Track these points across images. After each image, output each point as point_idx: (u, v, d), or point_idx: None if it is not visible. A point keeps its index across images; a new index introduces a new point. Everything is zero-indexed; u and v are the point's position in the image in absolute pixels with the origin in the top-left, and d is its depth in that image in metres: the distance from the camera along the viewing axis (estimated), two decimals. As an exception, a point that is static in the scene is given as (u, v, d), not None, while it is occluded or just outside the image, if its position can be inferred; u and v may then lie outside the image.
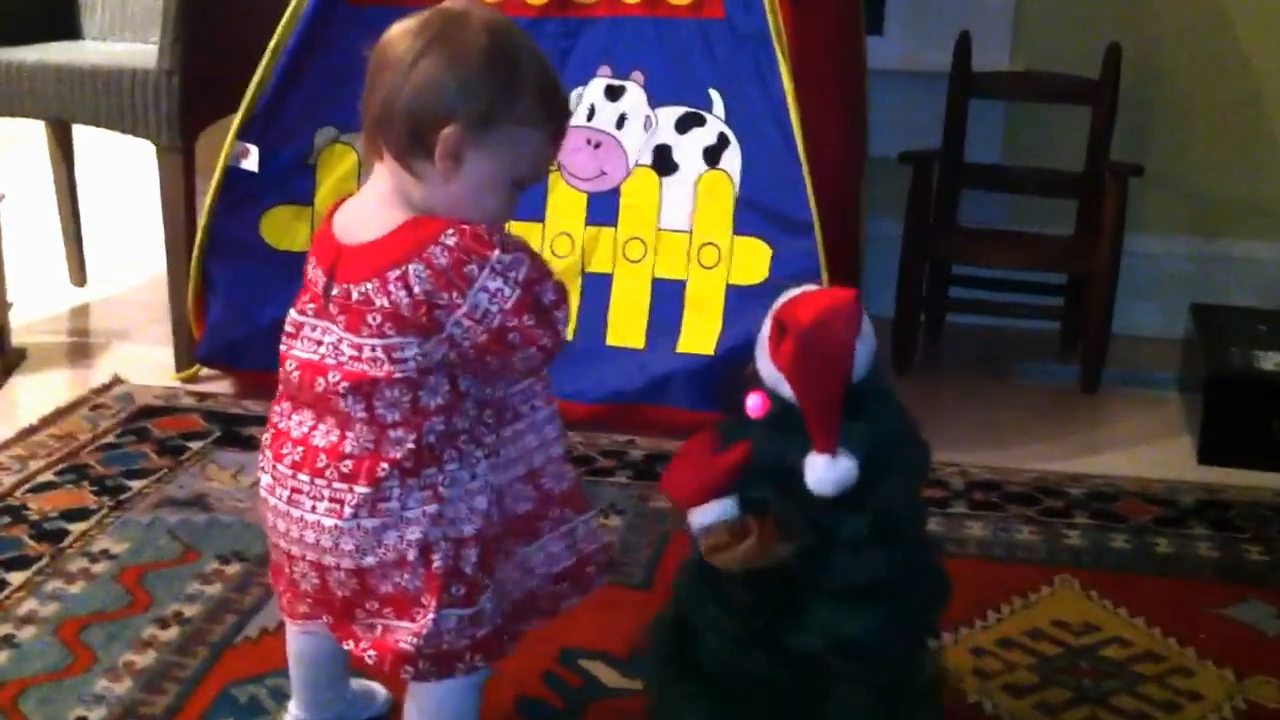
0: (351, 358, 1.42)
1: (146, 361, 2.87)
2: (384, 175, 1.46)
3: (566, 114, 1.53)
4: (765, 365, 1.45)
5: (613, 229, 2.64)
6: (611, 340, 2.60)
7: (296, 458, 1.45)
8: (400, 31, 1.45)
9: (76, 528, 2.14)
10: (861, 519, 1.43)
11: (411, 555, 1.43)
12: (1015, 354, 3.14)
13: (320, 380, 1.44)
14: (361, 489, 1.42)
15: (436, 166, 1.42)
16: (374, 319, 1.40)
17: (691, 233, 2.60)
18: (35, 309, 3.17)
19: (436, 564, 1.44)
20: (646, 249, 2.62)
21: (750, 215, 2.56)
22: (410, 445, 1.42)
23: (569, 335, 1.44)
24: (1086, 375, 2.93)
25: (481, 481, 1.45)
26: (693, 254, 2.59)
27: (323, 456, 1.44)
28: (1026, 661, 1.85)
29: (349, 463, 1.42)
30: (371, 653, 1.49)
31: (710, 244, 2.58)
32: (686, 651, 1.55)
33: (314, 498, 1.45)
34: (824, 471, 1.40)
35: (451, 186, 1.43)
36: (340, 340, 1.43)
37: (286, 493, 1.47)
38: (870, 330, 1.45)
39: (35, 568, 2.02)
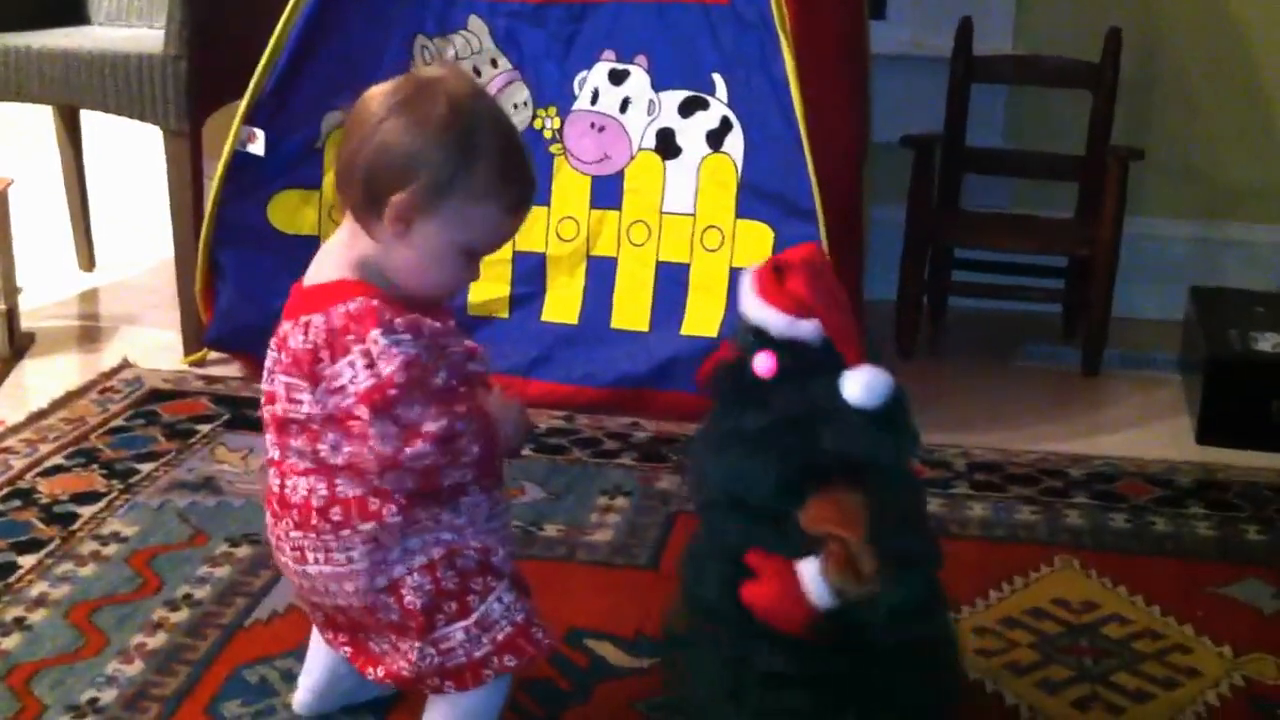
0: (276, 393, 1.47)
1: (155, 345, 2.89)
2: (345, 226, 1.50)
3: (527, 189, 1.50)
4: (768, 316, 1.43)
5: (617, 212, 2.65)
6: (616, 323, 2.62)
7: (269, 509, 1.53)
8: (377, 91, 1.48)
9: (86, 511, 2.16)
10: (902, 438, 1.42)
11: (378, 599, 1.47)
12: (1017, 336, 3.15)
13: (267, 409, 1.50)
14: (308, 535, 1.47)
15: (387, 230, 1.44)
16: (285, 356, 1.45)
17: (695, 216, 2.62)
18: (44, 294, 3.18)
19: (408, 598, 1.46)
20: (650, 232, 2.63)
21: (753, 198, 2.57)
22: (323, 494, 1.45)
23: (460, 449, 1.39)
24: (1087, 357, 2.94)
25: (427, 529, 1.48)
26: (696, 237, 2.61)
27: (274, 503, 1.51)
28: (1028, 640, 1.87)
29: (295, 511, 1.48)
30: (381, 670, 1.53)
31: (713, 227, 2.60)
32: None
33: (278, 537, 1.52)
34: (869, 380, 1.39)
35: (402, 249, 1.45)
36: (275, 370, 1.48)
37: (272, 536, 1.54)
38: None
39: (46, 551, 2.03)
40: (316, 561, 1.48)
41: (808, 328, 1.42)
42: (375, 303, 1.40)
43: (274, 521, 1.52)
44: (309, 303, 1.45)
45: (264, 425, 1.52)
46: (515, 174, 1.48)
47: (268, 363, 1.50)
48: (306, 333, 1.43)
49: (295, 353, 1.44)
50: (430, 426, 1.38)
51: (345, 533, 1.45)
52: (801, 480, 1.41)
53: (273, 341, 1.50)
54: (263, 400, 1.51)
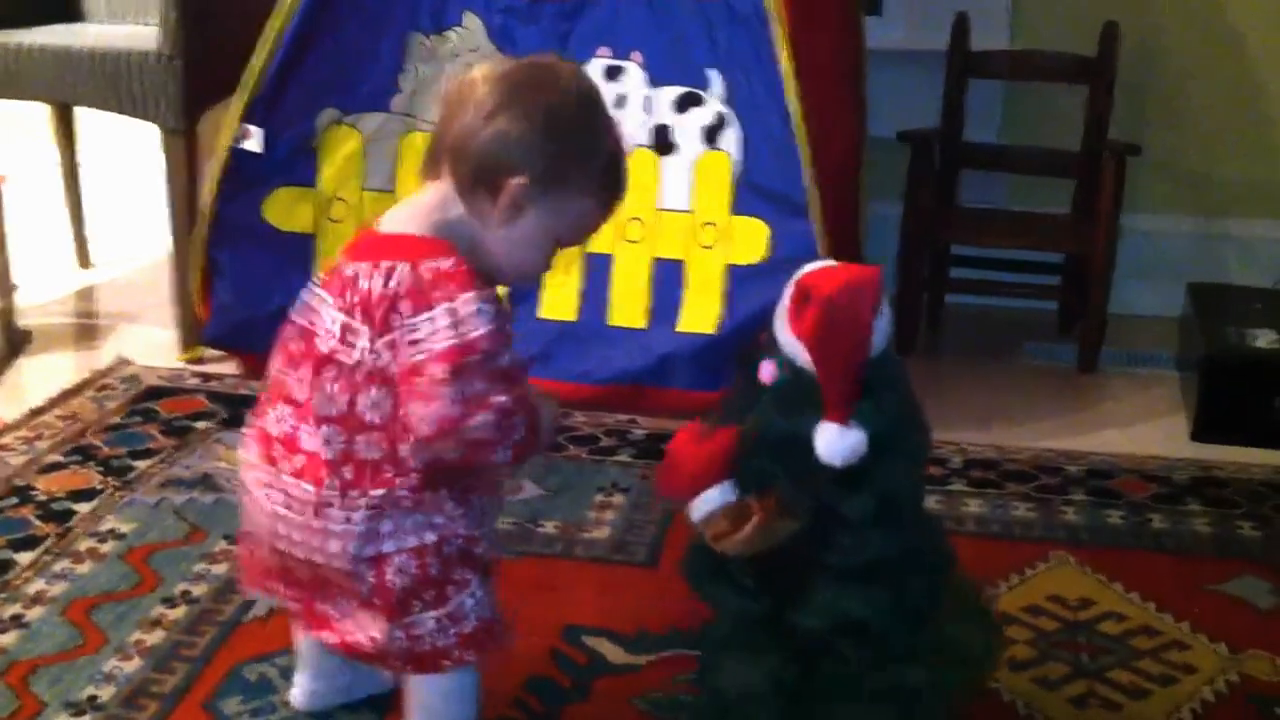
0: (326, 330, 1.45)
1: (152, 343, 2.88)
2: (432, 191, 1.50)
3: (624, 189, 1.55)
4: (783, 333, 1.45)
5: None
6: (613, 320, 2.62)
7: (259, 449, 1.49)
8: (487, 74, 1.49)
9: (84, 508, 2.16)
10: (866, 498, 1.44)
11: (358, 566, 1.45)
12: (1014, 334, 3.16)
13: (298, 345, 1.47)
14: (307, 486, 1.45)
15: (496, 211, 1.46)
16: (351, 296, 1.43)
17: (691, 213, 2.62)
18: (40, 291, 3.18)
19: (390, 577, 1.46)
20: (646, 229, 2.63)
21: (749, 195, 2.57)
22: (339, 447, 1.43)
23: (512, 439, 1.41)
24: (1084, 354, 2.95)
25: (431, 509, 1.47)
26: (692, 234, 2.61)
27: (279, 447, 1.47)
28: (1024, 636, 1.88)
29: (300, 457, 1.45)
30: (332, 637, 1.52)
31: (709, 224, 2.60)
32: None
33: (265, 479, 1.48)
34: (836, 440, 1.41)
35: (502, 232, 1.48)
36: (324, 308, 1.46)
37: (253, 479, 1.50)
38: (888, 308, 1.46)
39: (43, 548, 2.03)
40: (304, 513, 1.45)
41: (807, 359, 1.44)
42: (467, 267, 1.41)
43: (264, 460, 1.48)
44: (389, 249, 1.44)
45: (285, 358, 1.48)
46: (620, 173, 1.53)
47: (305, 297, 1.49)
48: (389, 278, 1.41)
49: (368, 295, 1.42)
50: (497, 399, 1.38)
51: (353, 494, 1.43)
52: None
53: (319, 278, 1.49)
54: (290, 332, 1.49)
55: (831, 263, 1.50)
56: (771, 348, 1.47)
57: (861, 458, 1.42)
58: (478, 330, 1.38)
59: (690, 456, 1.48)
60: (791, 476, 1.44)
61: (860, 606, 1.47)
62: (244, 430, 1.53)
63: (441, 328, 1.38)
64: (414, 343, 1.39)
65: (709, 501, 1.47)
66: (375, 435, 1.43)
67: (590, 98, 1.52)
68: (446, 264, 1.41)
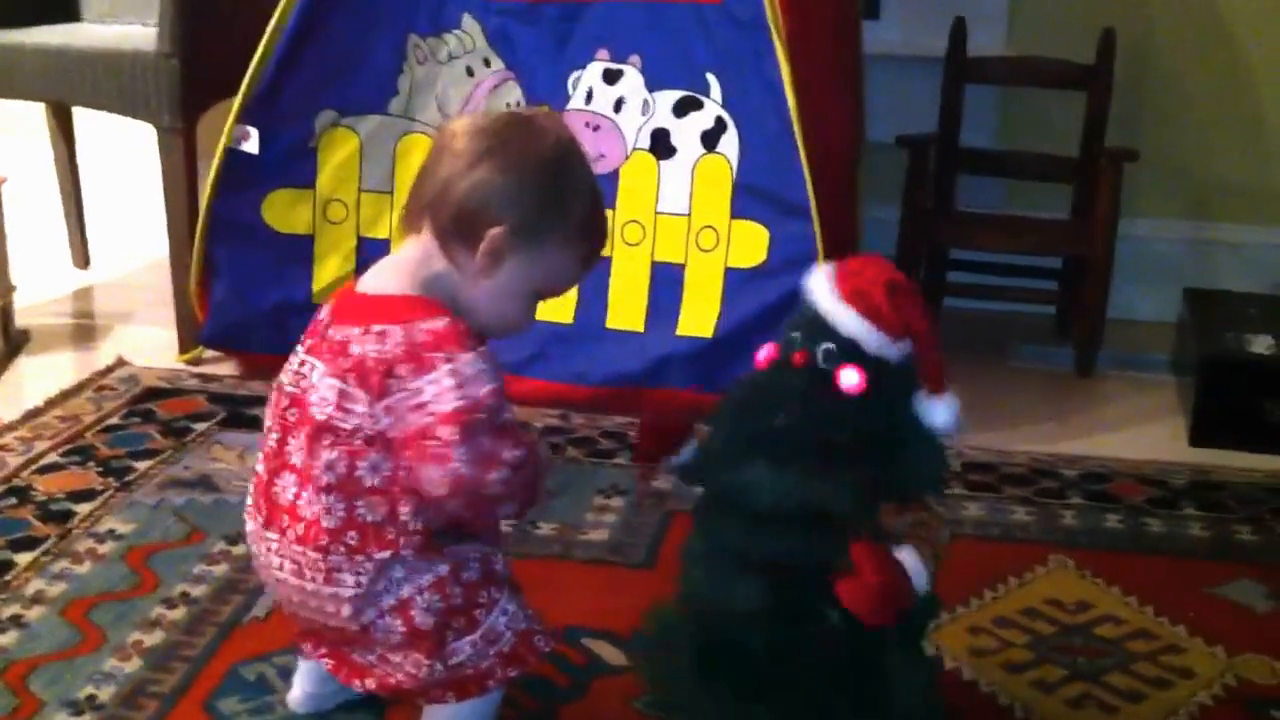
0: (320, 397, 1.45)
1: (150, 343, 2.89)
2: (414, 246, 1.51)
3: (602, 243, 1.56)
4: (867, 333, 1.44)
5: (611, 212, 2.65)
6: (611, 323, 2.62)
7: (263, 517, 1.50)
8: (468, 124, 1.50)
9: (83, 508, 2.16)
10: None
11: (375, 624, 1.47)
12: (1011, 337, 3.16)
13: (292, 412, 1.47)
14: (313, 554, 1.45)
15: (475, 261, 1.46)
16: (344, 362, 1.44)
17: (690, 216, 2.62)
18: (38, 292, 3.18)
19: (419, 618, 1.46)
20: (645, 232, 2.63)
21: (748, 198, 2.57)
22: (341, 515, 1.44)
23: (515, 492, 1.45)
24: (1081, 358, 2.95)
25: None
26: (691, 237, 2.61)
27: (285, 517, 1.48)
28: (1022, 639, 1.88)
29: (302, 525, 1.46)
30: (371, 683, 1.53)
31: (708, 227, 2.60)
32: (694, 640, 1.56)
33: (269, 546, 1.50)
34: (955, 409, 1.44)
35: (484, 283, 1.48)
36: (315, 374, 1.46)
37: (261, 548, 1.52)
38: None
39: (42, 548, 2.03)
40: (315, 580, 1.47)
41: (897, 348, 1.45)
42: (462, 326, 1.42)
43: (265, 529, 1.49)
44: (377, 312, 1.44)
45: (280, 426, 1.49)
46: (599, 226, 1.54)
47: (293, 363, 1.49)
48: (383, 342, 1.42)
49: (362, 360, 1.42)
50: (508, 454, 1.40)
51: (359, 558, 1.44)
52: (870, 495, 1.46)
53: (306, 343, 1.49)
54: (282, 401, 1.49)
55: (830, 264, 1.51)
56: (829, 357, 1.45)
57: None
58: (483, 389, 1.40)
59: (886, 599, 1.44)
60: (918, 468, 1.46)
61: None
62: (246, 503, 1.55)
63: (446, 389, 1.39)
64: (419, 406, 1.40)
65: (914, 564, 1.46)
66: (375, 499, 1.44)
67: (570, 149, 1.52)
68: (441, 324, 1.42)
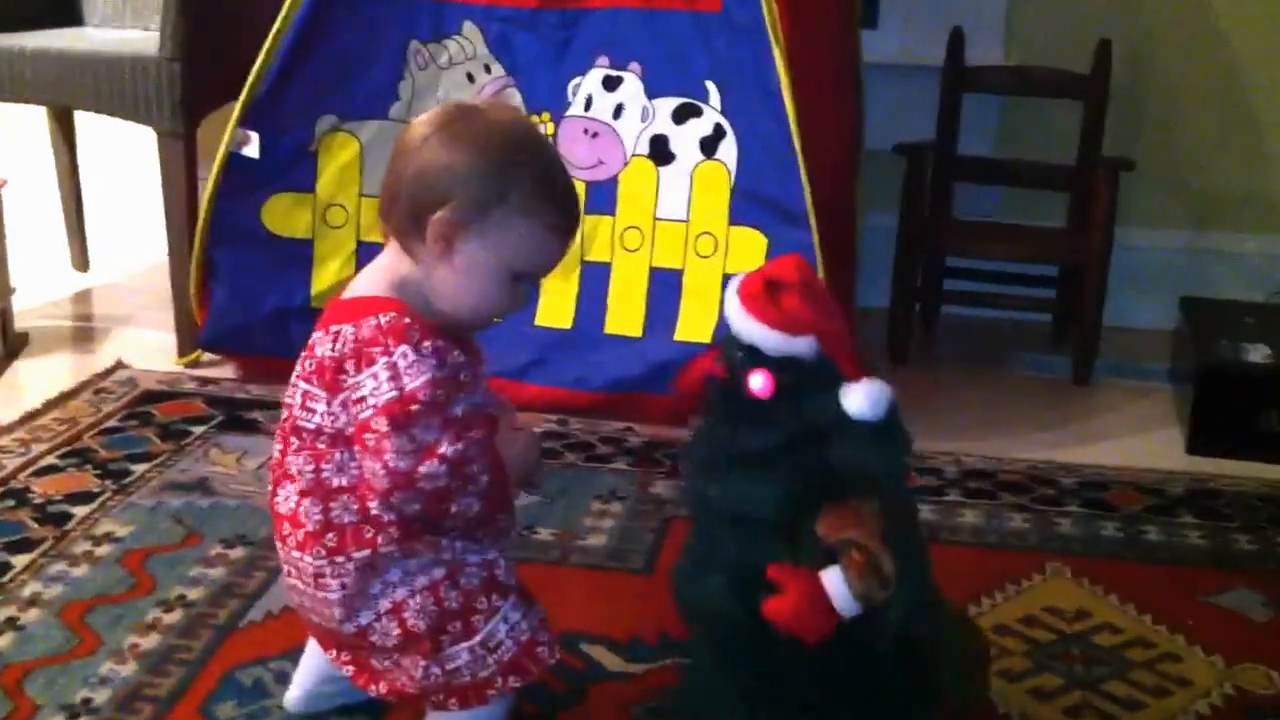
0: (292, 401, 1.48)
1: (149, 346, 2.89)
2: (386, 252, 1.52)
3: (568, 207, 1.50)
4: (762, 334, 1.43)
5: (610, 218, 2.66)
6: (610, 328, 2.62)
7: (275, 528, 1.52)
8: (418, 120, 1.49)
9: (80, 511, 2.16)
10: (901, 447, 1.44)
11: (369, 627, 1.48)
12: (1008, 345, 3.17)
13: (288, 421, 1.49)
14: (305, 557, 1.47)
15: (428, 249, 1.45)
16: (309, 364, 1.46)
17: (688, 222, 2.62)
18: (38, 294, 3.18)
19: (411, 620, 1.47)
20: (644, 238, 2.64)
21: (746, 205, 2.58)
22: (318, 518, 1.45)
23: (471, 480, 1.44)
24: (1078, 366, 2.96)
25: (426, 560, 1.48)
26: (690, 243, 2.62)
27: (286, 525, 1.49)
28: (1019, 648, 1.88)
29: (301, 532, 1.47)
30: (384, 687, 1.54)
31: (707, 233, 2.61)
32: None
33: (286, 564, 1.52)
34: (873, 393, 1.40)
35: (441, 271, 1.46)
36: (295, 379, 1.49)
37: (281, 557, 1.54)
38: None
39: (39, 550, 2.03)
40: (309, 585, 1.48)
41: (802, 344, 1.43)
42: (407, 319, 1.41)
43: (277, 538, 1.52)
44: (343, 314, 1.46)
45: (280, 438, 1.51)
46: (554, 191, 1.48)
47: (293, 378, 1.51)
48: (335, 342, 1.43)
49: (320, 360, 1.44)
50: (445, 448, 1.39)
51: (339, 559, 1.45)
52: (809, 495, 1.42)
53: (304, 353, 1.51)
54: (282, 413, 1.52)
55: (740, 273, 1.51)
56: (740, 363, 1.45)
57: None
58: (416, 380, 1.39)
59: (806, 620, 1.41)
60: (855, 463, 1.43)
61: (926, 586, 1.48)
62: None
63: (383, 381, 1.39)
64: (360, 400, 1.40)
65: (851, 597, 1.40)
66: (347, 498, 1.45)
67: (519, 120, 1.52)
68: (385, 319, 1.41)
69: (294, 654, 1.70)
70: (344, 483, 1.45)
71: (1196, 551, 2.19)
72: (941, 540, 2.17)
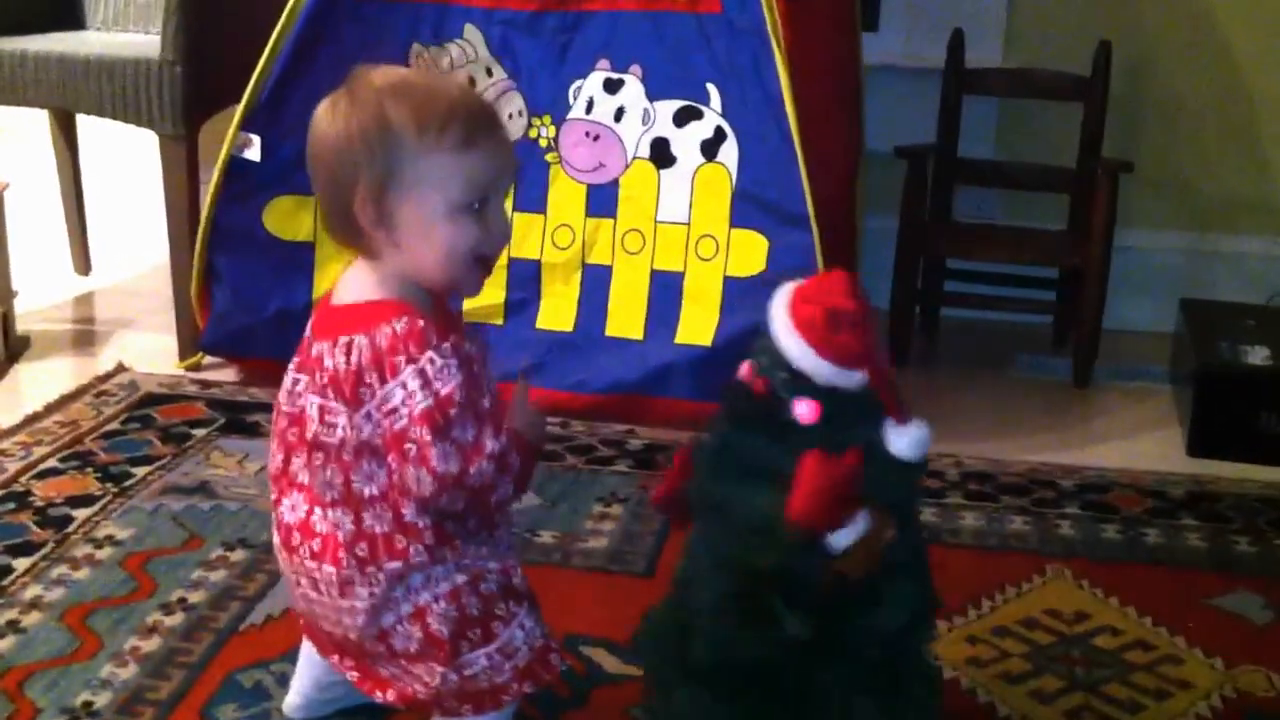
0: (309, 415, 1.45)
1: (150, 349, 2.89)
2: (359, 259, 1.51)
3: (463, 120, 1.42)
4: (818, 365, 1.42)
5: (612, 220, 2.66)
6: (611, 331, 2.63)
7: (279, 537, 1.51)
8: (314, 119, 1.46)
9: (81, 514, 2.16)
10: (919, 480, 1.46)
11: (393, 631, 1.47)
12: (1008, 347, 3.17)
13: (293, 432, 1.48)
14: (327, 569, 1.46)
15: (370, 234, 1.43)
16: (321, 378, 1.44)
17: (689, 225, 2.63)
18: (39, 297, 3.18)
19: (434, 625, 1.47)
20: (645, 241, 2.64)
21: (747, 208, 2.58)
22: (350, 528, 1.44)
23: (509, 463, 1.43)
24: (1078, 368, 2.96)
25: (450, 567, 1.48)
26: (691, 246, 2.62)
27: (296, 534, 1.48)
28: (1020, 650, 1.88)
29: (317, 541, 1.47)
30: (391, 694, 1.54)
31: (708, 236, 2.61)
32: (685, 647, 1.56)
33: (295, 573, 1.50)
34: (920, 439, 1.42)
35: (402, 246, 1.44)
36: (305, 392, 1.46)
37: (282, 564, 1.53)
38: None
39: (40, 554, 2.03)
40: (330, 594, 1.47)
41: (854, 378, 1.42)
42: (420, 322, 1.40)
43: (283, 548, 1.50)
44: (347, 322, 1.44)
45: (283, 446, 1.49)
46: (438, 113, 1.41)
47: (287, 383, 1.49)
48: (349, 354, 1.41)
49: (335, 374, 1.42)
50: (490, 445, 1.39)
51: (370, 569, 1.45)
52: None
53: (295, 360, 1.49)
54: (281, 421, 1.50)
55: (799, 279, 1.47)
56: (785, 386, 1.44)
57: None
58: (448, 384, 1.38)
59: (829, 481, 1.40)
60: (880, 489, 1.43)
61: (926, 592, 1.49)
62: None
63: (414, 390, 1.38)
64: (392, 412, 1.40)
65: (855, 531, 1.41)
66: (378, 507, 1.44)
67: (369, 79, 1.43)
68: (400, 325, 1.40)
69: (294, 657, 1.69)
70: (374, 491, 1.44)
71: (1197, 554, 2.19)
72: (942, 543, 2.17)
